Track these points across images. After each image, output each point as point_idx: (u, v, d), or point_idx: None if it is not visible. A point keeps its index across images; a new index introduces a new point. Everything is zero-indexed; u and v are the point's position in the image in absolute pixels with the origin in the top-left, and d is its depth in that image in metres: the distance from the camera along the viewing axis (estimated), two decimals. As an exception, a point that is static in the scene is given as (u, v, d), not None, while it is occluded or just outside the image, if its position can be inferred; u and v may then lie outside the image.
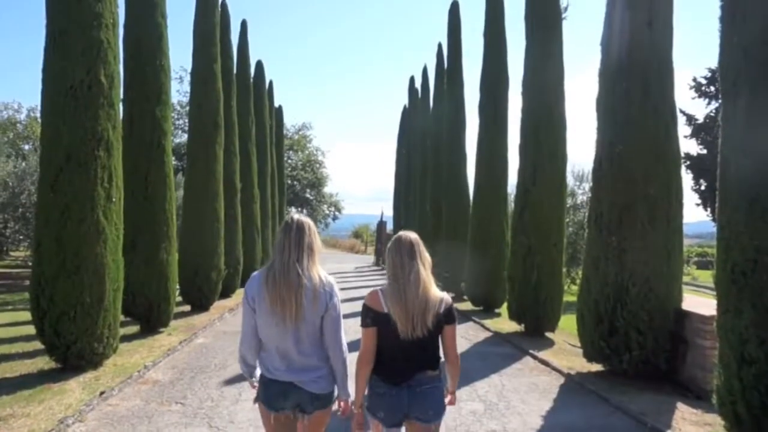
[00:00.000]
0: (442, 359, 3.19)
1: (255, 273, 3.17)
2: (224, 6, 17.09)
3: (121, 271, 7.61)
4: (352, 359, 3.08)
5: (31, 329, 7.41)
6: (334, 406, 3.16)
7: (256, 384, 3.21)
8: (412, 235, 3.20)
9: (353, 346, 3.12)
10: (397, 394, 3.08)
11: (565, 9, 11.11)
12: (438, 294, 3.11)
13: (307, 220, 3.16)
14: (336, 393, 3.15)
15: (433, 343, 3.11)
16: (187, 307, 12.92)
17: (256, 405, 3.18)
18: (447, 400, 3.23)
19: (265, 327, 3.02)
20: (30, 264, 8.18)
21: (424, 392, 3.08)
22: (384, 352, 3.10)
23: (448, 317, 3.11)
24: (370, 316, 3.11)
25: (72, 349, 6.94)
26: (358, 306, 3.31)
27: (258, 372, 3.20)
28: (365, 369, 3.12)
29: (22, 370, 7.21)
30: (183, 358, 8.54)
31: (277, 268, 2.99)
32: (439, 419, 3.14)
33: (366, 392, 3.16)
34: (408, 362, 3.09)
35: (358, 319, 3.15)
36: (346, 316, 3.26)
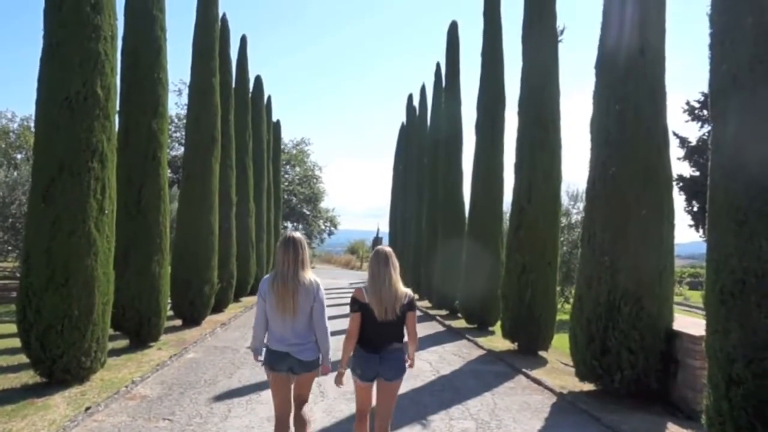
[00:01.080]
0: (405, 339, 4.48)
1: (266, 276, 4.46)
2: (224, 21, 17.22)
3: (111, 284, 7.55)
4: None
5: (16, 342, 7.30)
6: (323, 369, 4.45)
7: (260, 358, 4.47)
8: (387, 249, 4.54)
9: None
10: (372, 358, 4.38)
11: (562, 32, 11.26)
12: (403, 290, 4.41)
13: (300, 237, 4.47)
14: (321, 360, 4.43)
15: (399, 325, 4.41)
16: (178, 322, 12.84)
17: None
18: (407, 364, 4.54)
19: (271, 319, 4.38)
20: (18, 275, 8.12)
21: (390, 358, 4.39)
22: (365, 330, 4.38)
23: (411, 306, 4.44)
24: (356, 304, 4.41)
25: (58, 363, 6.85)
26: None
27: (264, 350, 4.45)
28: (351, 342, 4.42)
29: (5, 385, 7.10)
30: (172, 373, 8.46)
31: (279, 279, 4.30)
32: (399, 379, 4.46)
33: (351, 356, 4.46)
34: (381, 337, 4.38)
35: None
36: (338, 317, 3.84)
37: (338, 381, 4.48)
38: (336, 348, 4.43)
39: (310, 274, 4.39)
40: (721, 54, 4.92)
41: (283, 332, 4.34)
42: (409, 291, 4.47)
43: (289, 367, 4.36)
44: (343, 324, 4.93)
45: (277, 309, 4.30)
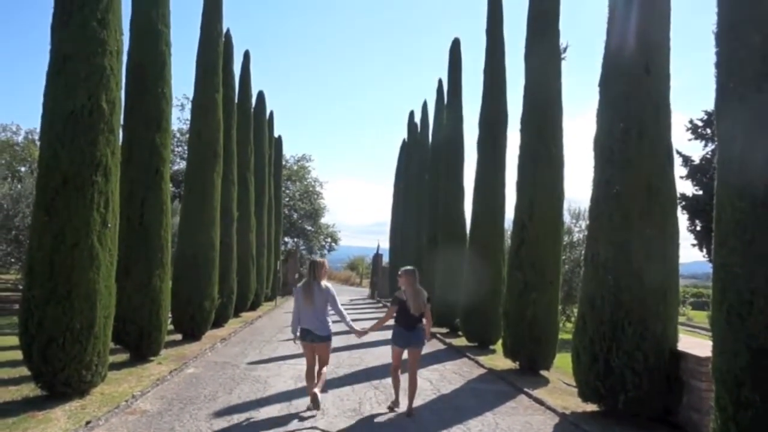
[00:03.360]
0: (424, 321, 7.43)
1: (298, 285, 7.40)
2: (228, 36, 17.35)
3: (113, 298, 7.53)
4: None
5: (18, 354, 7.26)
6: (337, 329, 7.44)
7: (296, 335, 7.36)
8: (414, 268, 7.67)
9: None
10: (406, 333, 7.32)
11: (565, 49, 11.29)
12: (424, 293, 7.39)
13: (319, 260, 7.58)
14: (330, 334, 7.31)
15: (421, 314, 7.31)
16: (178, 336, 12.77)
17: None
18: (427, 338, 7.53)
19: (301, 310, 7.19)
20: (20, 287, 8.09)
21: (416, 333, 7.33)
22: (402, 317, 7.32)
23: (427, 302, 7.38)
24: (396, 302, 7.36)
25: (59, 376, 6.81)
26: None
27: (298, 330, 7.28)
28: (384, 321, 7.58)
29: (6, 397, 7.06)
30: (172, 388, 8.39)
31: (305, 284, 7.23)
32: (422, 346, 7.49)
33: (392, 331, 7.49)
34: (412, 319, 7.29)
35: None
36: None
37: (360, 335, 7.52)
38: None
39: (325, 282, 7.36)
40: (727, 72, 4.92)
41: (308, 317, 7.21)
42: (425, 291, 7.49)
43: (311, 339, 7.22)
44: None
45: (304, 302, 7.18)
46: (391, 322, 7.52)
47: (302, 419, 6.94)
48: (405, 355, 7.46)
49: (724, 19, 5.08)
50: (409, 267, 7.64)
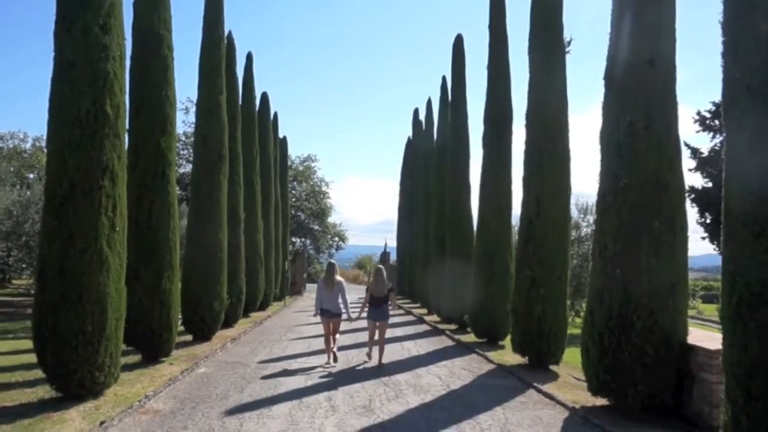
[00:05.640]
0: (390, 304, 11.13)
1: (319, 280, 11.10)
2: (230, 39, 17.39)
3: (123, 300, 7.59)
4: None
5: (32, 358, 7.34)
6: (344, 317, 10.67)
7: (317, 312, 10.82)
8: (381, 266, 11.79)
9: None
10: (375, 310, 10.82)
11: (569, 43, 11.22)
12: (387, 283, 11.17)
13: (333, 262, 11.20)
14: (344, 314, 10.65)
15: (386, 298, 10.93)
16: (188, 337, 12.84)
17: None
18: (392, 308, 11.38)
19: (323, 295, 10.70)
20: (32, 292, 8.16)
21: (382, 310, 10.82)
22: (372, 300, 10.90)
23: (390, 290, 11.07)
24: (368, 288, 11.19)
25: (73, 378, 6.89)
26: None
27: (319, 309, 10.71)
28: (364, 306, 11.22)
29: (22, 399, 7.15)
30: (184, 387, 8.45)
31: (326, 278, 10.77)
32: (387, 320, 10.91)
33: (366, 310, 11.06)
34: (378, 301, 10.86)
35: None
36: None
37: (356, 319, 10.92)
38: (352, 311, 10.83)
39: (339, 277, 10.81)
40: (734, 62, 4.88)
41: (327, 301, 10.63)
42: (390, 284, 11.27)
43: (329, 315, 10.60)
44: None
45: (325, 290, 10.63)
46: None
47: (325, 369, 10.22)
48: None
49: (730, 7, 5.03)
50: (379, 265, 12.22)
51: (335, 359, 10.79)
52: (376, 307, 10.79)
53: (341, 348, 12.11)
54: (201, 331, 12.85)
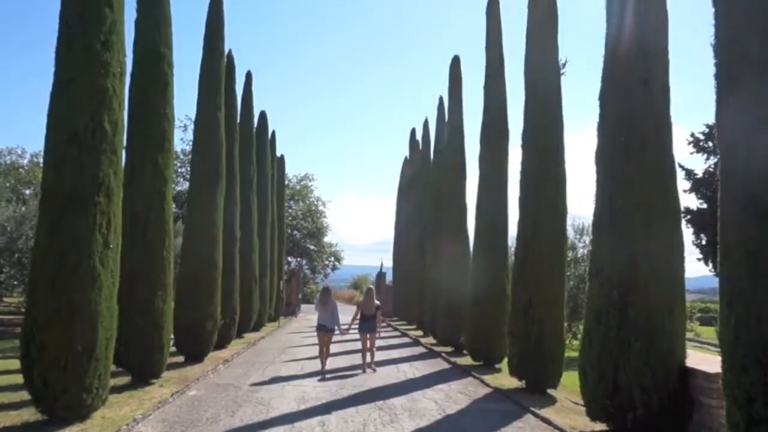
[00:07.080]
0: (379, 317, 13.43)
1: (316, 300, 16.13)
2: (230, 57, 17.46)
3: (114, 320, 7.47)
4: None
5: (20, 378, 7.18)
6: (337, 331, 12.76)
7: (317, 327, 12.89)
8: (372, 287, 15.24)
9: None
10: (365, 324, 13.09)
11: (564, 65, 11.30)
12: (375, 302, 13.40)
13: (329, 287, 14.40)
14: (335, 329, 12.71)
15: (374, 315, 13.15)
16: (180, 358, 12.67)
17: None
18: (379, 325, 13.44)
19: (319, 312, 12.89)
20: (23, 310, 8.03)
21: (370, 324, 13.08)
22: (362, 316, 13.25)
23: (377, 309, 13.27)
24: (359, 306, 13.68)
25: (60, 400, 6.73)
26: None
27: (317, 323, 12.89)
28: (354, 320, 13.86)
29: (6, 422, 6.98)
30: (174, 411, 8.29)
31: (323, 299, 13.05)
32: (375, 333, 13.21)
33: (357, 324, 13.33)
34: (366, 317, 13.15)
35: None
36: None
37: (345, 332, 12.94)
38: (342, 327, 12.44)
39: (333, 299, 13.24)
40: (727, 87, 4.89)
41: (323, 318, 12.64)
42: (378, 303, 13.49)
43: (325, 330, 12.57)
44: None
45: (322, 309, 12.74)
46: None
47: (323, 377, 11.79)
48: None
49: (722, 30, 5.06)
50: (370, 286, 15.50)
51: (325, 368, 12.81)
52: (367, 322, 13.11)
53: (332, 354, 13.99)
54: (193, 352, 12.69)
